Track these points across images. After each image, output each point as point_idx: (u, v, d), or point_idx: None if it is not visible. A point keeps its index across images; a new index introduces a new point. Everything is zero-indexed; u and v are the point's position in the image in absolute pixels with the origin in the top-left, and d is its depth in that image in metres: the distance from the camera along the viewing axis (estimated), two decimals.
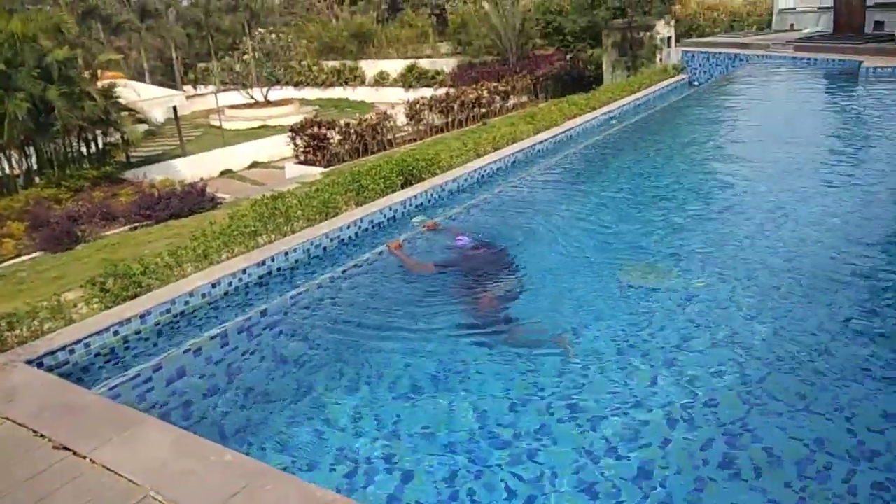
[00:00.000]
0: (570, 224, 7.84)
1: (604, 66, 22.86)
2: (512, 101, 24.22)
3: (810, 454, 3.74)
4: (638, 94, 15.29)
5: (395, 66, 32.90)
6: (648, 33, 21.22)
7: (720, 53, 19.17)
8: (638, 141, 12.36)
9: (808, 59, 17.56)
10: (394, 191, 8.18)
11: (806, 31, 22.35)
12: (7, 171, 17.23)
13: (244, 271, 6.03)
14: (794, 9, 23.71)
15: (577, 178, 10.11)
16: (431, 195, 8.43)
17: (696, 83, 18.34)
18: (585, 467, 3.72)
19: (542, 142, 11.11)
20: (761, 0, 26.50)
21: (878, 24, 19.54)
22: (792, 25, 23.39)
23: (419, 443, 4.05)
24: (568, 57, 26.05)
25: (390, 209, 7.76)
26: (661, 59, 21.20)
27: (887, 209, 7.63)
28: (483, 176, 9.49)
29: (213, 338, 5.32)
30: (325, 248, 6.86)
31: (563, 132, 11.79)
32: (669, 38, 21.85)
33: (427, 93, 23.47)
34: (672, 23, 22.15)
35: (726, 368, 4.61)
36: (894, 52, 16.26)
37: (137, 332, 5.16)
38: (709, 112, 14.51)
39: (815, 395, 4.29)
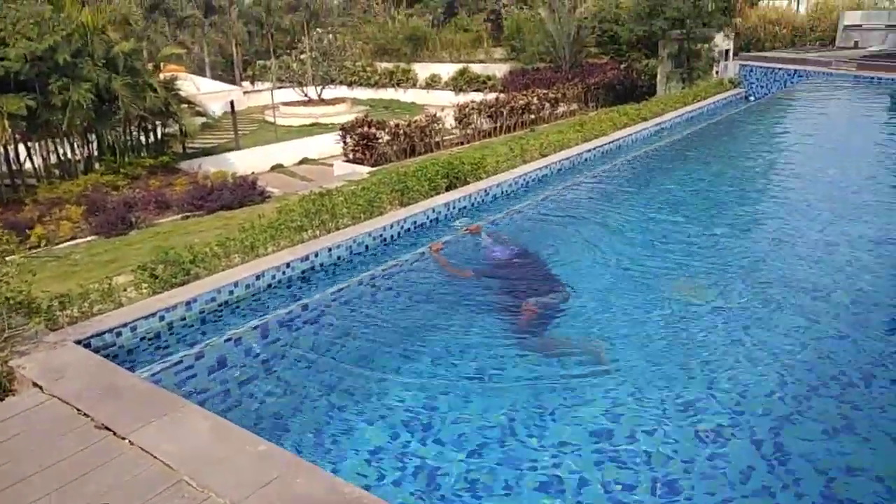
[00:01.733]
0: (613, 236, 7.75)
1: (658, 77, 22.55)
2: (561, 108, 24.06)
3: (844, 479, 3.63)
4: (691, 107, 15.02)
5: (447, 70, 33.00)
6: (706, 45, 20.83)
7: (779, 68, 18.68)
8: (688, 154, 12.14)
9: (872, 77, 16.99)
10: (438, 193, 8.22)
11: (871, 48, 21.62)
12: (69, 156, 17.90)
13: (288, 265, 6.15)
14: (861, 26, 22.96)
15: (623, 190, 9.99)
16: (475, 199, 8.44)
17: (752, 98, 17.92)
18: (615, 479, 3.68)
19: (589, 150, 11.01)
20: (825, 16, 25.71)
21: None
22: (856, 43, 22.65)
23: (447, 444, 4.06)
24: (621, 66, 25.75)
25: (433, 211, 7.80)
26: (717, 72, 20.80)
27: None
28: (528, 182, 9.46)
29: (254, 328, 5.43)
30: (367, 247, 6.94)
31: (612, 142, 11.67)
32: (727, 50, 21.42)
33: (477, 97, 23.48)
34: (731, 35, 21.70)
35: (765, 387, 4.51)
36: None
37: (182, 319, 5.30)
38: (764, 128, 14.17)
39: (857, 417, 4.18)
